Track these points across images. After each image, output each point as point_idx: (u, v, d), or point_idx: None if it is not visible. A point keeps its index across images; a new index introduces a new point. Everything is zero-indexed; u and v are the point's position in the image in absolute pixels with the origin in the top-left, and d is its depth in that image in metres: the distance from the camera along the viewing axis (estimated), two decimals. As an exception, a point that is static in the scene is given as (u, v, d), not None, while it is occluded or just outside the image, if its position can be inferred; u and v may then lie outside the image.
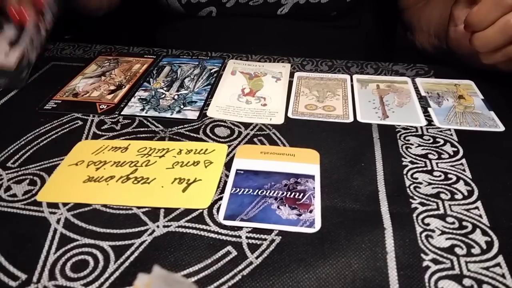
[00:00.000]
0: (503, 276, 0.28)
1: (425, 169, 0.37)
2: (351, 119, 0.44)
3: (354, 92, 0.49)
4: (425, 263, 0.29)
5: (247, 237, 0.31)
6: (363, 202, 0.34)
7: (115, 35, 0.69)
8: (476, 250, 0.29)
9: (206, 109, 0.46)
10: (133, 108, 0.46)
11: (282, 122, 0.44)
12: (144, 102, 0.47)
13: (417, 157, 0.38)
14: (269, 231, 0.31)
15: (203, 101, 0.47)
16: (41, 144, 0.41)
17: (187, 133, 0.42)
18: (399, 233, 0.31)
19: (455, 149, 0.39)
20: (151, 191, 0.35)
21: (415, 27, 0.64)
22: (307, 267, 0.28)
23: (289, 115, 0.45)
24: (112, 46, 0.60)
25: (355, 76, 0.52)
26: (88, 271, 0.29)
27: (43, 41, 0.49)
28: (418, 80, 0.51)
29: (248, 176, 0.36)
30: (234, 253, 0.30)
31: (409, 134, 0.41)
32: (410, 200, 0.34)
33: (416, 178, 0.36)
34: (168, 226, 0.32)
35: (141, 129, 0.43)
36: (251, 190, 0.35)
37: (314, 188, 0.35)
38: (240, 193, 0.35)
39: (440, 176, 0.36)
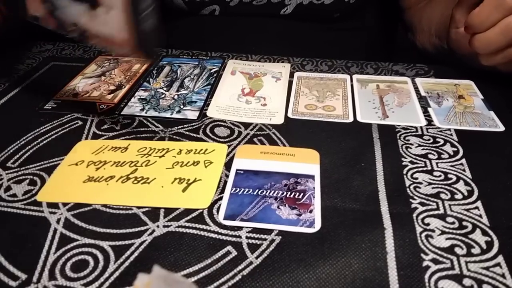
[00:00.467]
0: (503, 276, 0.28)
1: (425, 169, 0.37)
2: (351, 119, 0.44)
3: (354, 92, 0.49)
4: (425, 263, 0.29)
5: (247, 237, 0.31)
6: (363, 202, 0.34)
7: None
8: (476, 250, 0.29)
9: (206, 109, 0.46)
10: (133, 108, 0.46)
11: (282, 122, 0.44)
12: (144, 102, 0.47)
13: (417, 157, 0.38)
14: (269, 231, 0.31)
15: (203, 101, 0.47)
16: (41, 144, 0.41)
17: (187, 133, 0.42)
18: (399, 233, 0.31)
19: (455, 149, 0.39)
20: (151, 191, 0.35)
21: (416, 27, 0.64)
22: (307, 267, 0.28)
23: (289, 115, 0.45)
24: (112, 46, 0.60)
25: (355, 76, 0.52)
26: (88, 271, 0.29)
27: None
28: (418, 80, 0.51)
29: (248, 176, 0.36)
30: (234, 253, 0.30)
31: (409, 134, 0.41)
32: (410, 200, 0.34)
33: (416, 178, 0.36)
34: (168, 226, 0.32)
35: (141, 129, 0.43)
36: (251, 190, 0.35)
37: (314, 188, 0.35)
38: (240, 193, 0.35)
39: (440, 176, 0.36)
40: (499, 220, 0.32)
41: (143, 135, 0.42)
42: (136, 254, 0.30)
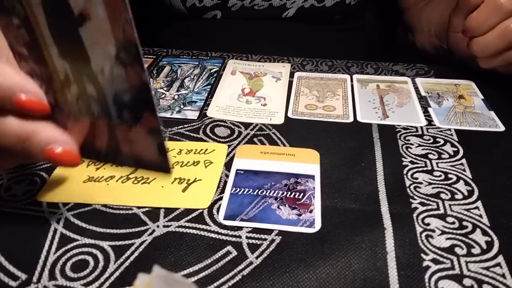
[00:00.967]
0: (503, 276, 0.28)
1: (425, 169, 0.37)
2: (351, 119, 0.44)
3: (354, 92, 0.49)
4: (425, 263, 0.29)
5: (247, 237, 0.31)
6: (363, 202, 0.34)
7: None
8: (476, 250, 0.29)
9: (206, 109, 0.46)
10: (133, 108, 0.46)
11: (282, 122, 0.44)
12: (144, 102, 0.47)
13: (417, 157, 0.38)
14: (269, 231, 0.31)
15: (203, 101, 0.47)
16: (41, 144, 0.40)
17: (187, 133, 0.42)
18: (399, 233, 0.31)
19: (455, 149, 0.39)
20: (151, 191, 0.35)
21: (415, 27, 0.64)
22: (307, 267, 0.28)
23: (289, 115, 0.45)
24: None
25: (355, 76, 0.52)
26: (88, 271, 0.29)
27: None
28: (418, 80, 0.51)
29: (248, 176, 0.36)
30: (234, 253, 0.30)
31: (409, 134, 0.41)
32: (410, 200, 0.34)
33: (416, 178, 0.36)
34: (168, 226, 0.32)
35: (141, 129, 0.43)
36: (251, 190, 0.35)
37: (314, 188, 0.35)
38: (240, 193, 0.35)
39: (440, 176, 0.36)
40: (499, 220, 0.32)
41: (143, 135, 0.42)
42: (136, 254, 0.30)
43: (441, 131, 0.42)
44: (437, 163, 0.37)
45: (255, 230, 0.31)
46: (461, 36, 0.45)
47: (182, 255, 0.30)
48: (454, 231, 0.31)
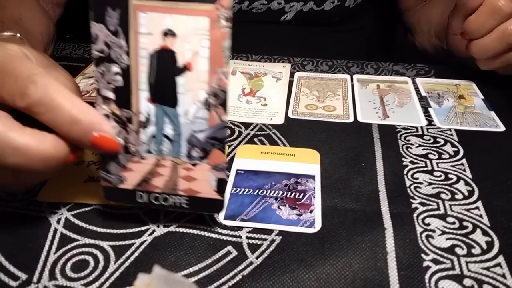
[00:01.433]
0: (503, 276, 0.28)
1: (425, 169, 0.37)
2: (351, 119, 0.44)
3: (355, 92, 0.49)
4: (425, 263, 0.29)
5: (247, 237, 0.31)
6: (363, 202, 0.34)
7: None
8: (476, 250, 0.29)
9: (206, 109, 0.46)
10: (133, 108, 0.46)
11: (282, 122, 0.44)
12: (144, 102, 0.47)
13: (417, 157, 0.38)
14: (269, 231, 0.31)
15: (204, 101, 0.47)
16: (41, 144, 0.40)
17: (187, 133, 0.42)
18: (400, 233, 0.31)
19: (456, 149, 0.39)
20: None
21: (415, 28, 0.64)
22: (307, 267, 0.28)
23: (289, 115, 0.45)
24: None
25: (355, 76, 0.52)
26: (88, 271, 0.29)
27: None
28: (419, 80, 0.51)
29: (248, 176, 0.36)
30: (234, 253, 0.30)
31: (410, 134, 0.41)
32: (411, 200, 0.34)
33: (417, 178, 0.36)
34: (168, 226, 0.32)
35: (141, 129, 0.43)
36: (251, 190, 0.35)
37: (314, 188, 0.35)
38: (240, 193, 0.34)
39: (440, 176, 0.36)
40: (499, 220, 0.32)
41: (143, 135, 0.42)
42: (136, 254, 0.30)
43: (441, 131, 0.42)
44: (437, 163, 0.37)
45: (255, 230, 0.31)
46: (460, 38, 0.45)
47: (182, 255, 0.30)
48: (455, 231, 0.31)
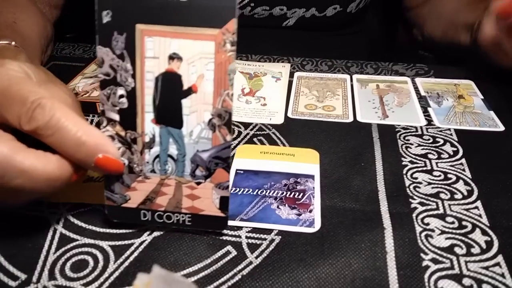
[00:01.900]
0: (502, 275, 0.28)
1: (424, 169, 0.37)
2: (351, 119, 0.44)
3: (354, 92, 0.49)
4: (424, 263, 0.29)
5: (246, 237, 0.31)
6: (362, 202, 0.34)
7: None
8: (475, 250, 0.29)
9: (206, 109, 0.46)
10: (133, 108, 0.46)
11: (282, 122, 0.44)
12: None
13: (416, 157, 0.38)
14: (268, 231, 0.31)
15: (203, 101, 0.47)
16: (41, 144, 0.40)
17: (187, 133, 0.42)
18: (399, 232, 0.31)
19: (455, 149, 0.39)
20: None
21: (425, 19, 0.62)
22: (306, 267, 0.29)
23: (289, 115, 0.45)
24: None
25: (355, 76, 0.52)
26: (88, 271, 0.29)
27: None
28: (418, 80, 0.51)
29: (248, 176, 0.36)
30: (234, 253, 0.30)
31: (409, 134, 0.41)
32: (410, 200, 0.34)
33: (416, 178, 0.36)
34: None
35: (141, 129, 0.43)
36: (251, 190, 0.35)
37: (313, 188, 0.35)
38: (240, 193, 0.35)
39: (439, 176, 0.36)
40: (498, 220, 0.32)
41: (143, 135, 0.42)
42: (136, 254, 0.30)
43: (440, 131, 0.42)
44: (436, 163, 0.37)
45: (254, 230, 0.31)
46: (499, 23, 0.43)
47: (181, 254, 0.30)
48: (454, 231, 0.31)
